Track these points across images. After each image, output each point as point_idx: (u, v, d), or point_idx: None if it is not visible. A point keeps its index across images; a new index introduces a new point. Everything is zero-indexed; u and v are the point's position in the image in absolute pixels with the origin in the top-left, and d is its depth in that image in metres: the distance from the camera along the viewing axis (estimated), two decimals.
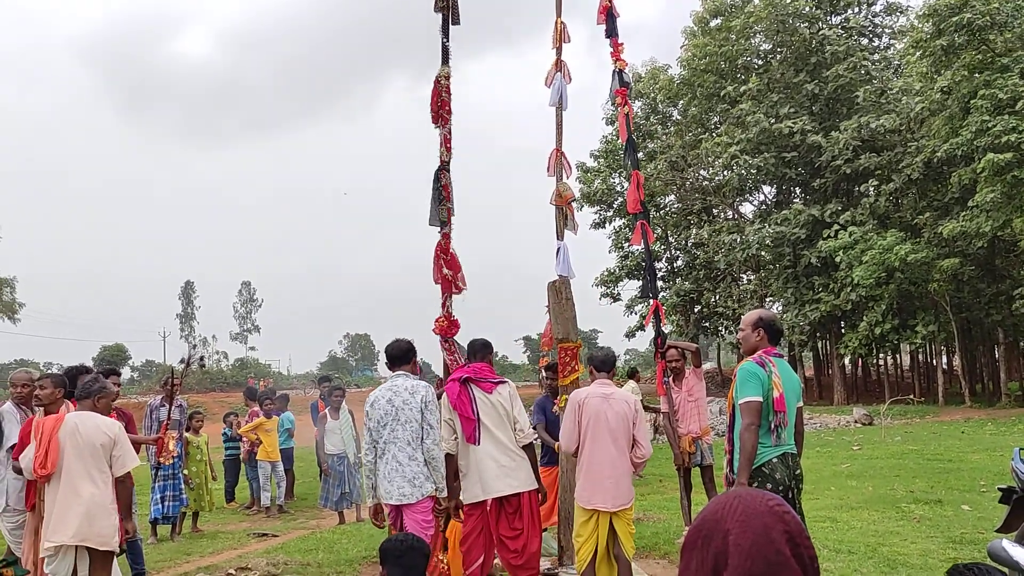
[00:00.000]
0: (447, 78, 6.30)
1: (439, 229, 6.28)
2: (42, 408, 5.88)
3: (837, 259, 27.78)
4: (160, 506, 9.79)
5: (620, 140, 8.90)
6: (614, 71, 8.20)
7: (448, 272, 6.21)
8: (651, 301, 8.48)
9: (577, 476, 5.65)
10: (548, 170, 7.49)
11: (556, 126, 7.51)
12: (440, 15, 6.39)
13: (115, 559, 5.53)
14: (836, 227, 28.45)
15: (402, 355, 5.77)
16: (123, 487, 5.42)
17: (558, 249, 7.25)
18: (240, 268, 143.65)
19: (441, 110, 6.26)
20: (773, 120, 30.55)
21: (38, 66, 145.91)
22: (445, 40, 6.39)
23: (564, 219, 7.38)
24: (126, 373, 69.14)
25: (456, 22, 6.43)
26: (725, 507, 1.41)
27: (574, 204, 7.85)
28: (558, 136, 7.49)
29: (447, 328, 6.24)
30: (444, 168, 6.31)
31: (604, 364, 5.84)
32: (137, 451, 8.30)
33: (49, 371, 6.27)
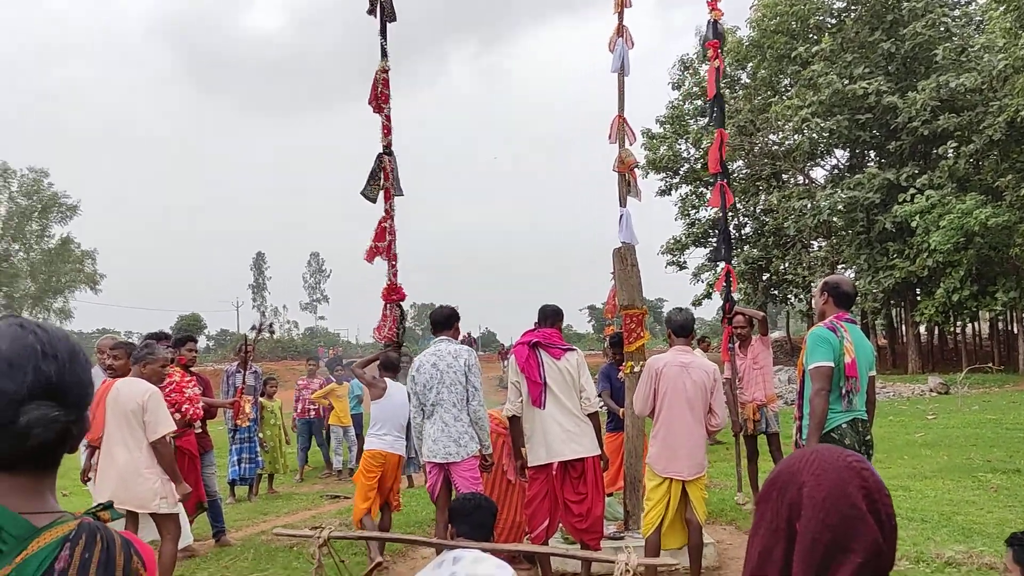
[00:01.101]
0: (385, 72, 6.97)
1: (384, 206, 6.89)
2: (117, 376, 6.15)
3: (913, 224, 26.90)
4: (237, 468, 10.15)
5: (708, 95, 8.83)
6: (709, 21, 8.15)
7: (377, 244, 6.86)
8: (723, 265, 8.46)
9: (651, 443, 5.67)
10: (610, 136, 7.45)
11: (618, 92, 7.45)
12: (378, 18, 6.97)
13: (184, 519, 5.79)
14: (912, 191, 27.51)
15: (444, 320, 6.00)
16: (159, 452, 5.44)
17: (621, 216, 7.22)
18: (309, 240, 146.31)
19: (379, 100, 6.91)
20: (847, 81, 29.56)
21: (117, 45, 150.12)
22: (383, 41, 6.98)
23: (627, 186, 7.33)
24: (202, 342, 71.34)
25: (392, 19, 7.01)
26: (801, 460, 1.40)
27: (638, 171, 7.81)
28: (620, 102, 7.44)
29: (388, 295, 6.86)
30: (386, 152, 6.92)
31: (683, 329, 5.76)
32: (214, 415, 8.64)
33: (128, 340, 6.54)
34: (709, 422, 5.59)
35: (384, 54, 6.98)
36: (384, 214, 6.92)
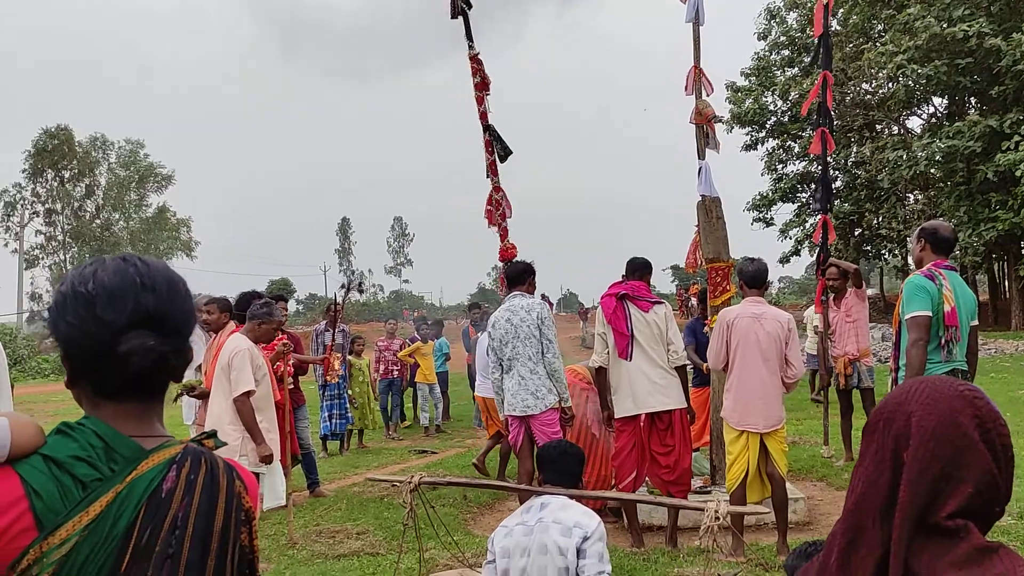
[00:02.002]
0: (475, 57, 7.34)
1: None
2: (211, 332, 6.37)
3: (1017, 173, 25.51)
4: (328, 423, 10.46)
5: (813, 34, 8.69)
6: None
7: (489, 209, 7.43)
8: (819, 216, 8.27)
9: (726, 396, 5.56)
10: (687, 88, 7.29)
11: (694, 42, 7.28)
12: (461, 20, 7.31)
13: (280, 480, 5.93)
14: (1017, 138, 26.03)
15: (517, 276, 6.04)
16: (239, 409, 5.46)
17: (700, 169, 7.07)
18: (392, 204, 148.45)
19: (477, 87, 7.35)
20: (945, 24, 28.02)
21: (204, 17, 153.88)
22: (466, 27, 7.34)
23: (705, 138, 7.17)
24: (291, 305, 73.42)
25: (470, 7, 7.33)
26: (910, 391, 1.35)
27: (721, 125, 7.63)
28: (696, 52, 7.28)
29: (504, 254, 7.27)
30: (485, 129, 7.38)
31: (755, 280, 5.58)
32: (305, 371, 8.91)
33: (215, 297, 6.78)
34: (786, 374, 5.44)
35: (469, 39, 7.35)
36: (492, 186, 7.41)
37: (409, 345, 12.87)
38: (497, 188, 7.38)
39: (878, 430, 1.36)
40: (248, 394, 5.47)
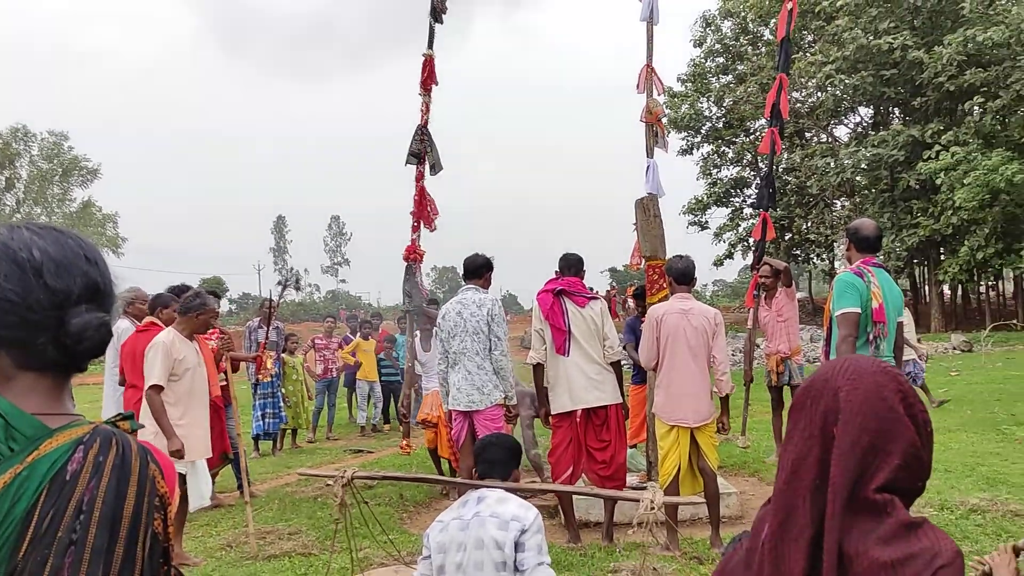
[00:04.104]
0: (431, 58, 7.76)
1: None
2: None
3: (938, 181, 26.47)
4: (261, 423, 10.26)
5: (777, 37, 8.99)
6: None
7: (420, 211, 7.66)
8: (760, 213, 8.50)
9: (656, 392, 5.62)
10: (638, 87, 7.34)
11: (647, 41, 7.33)
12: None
13: (205, 479, 5.78)
14: (937, 148, 27.01)
15: (475, 269, 5.94)
16: (147, 402, 5.33)
17: (647, 167, 7.13)
18: (329, 203, 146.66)
19: (426, 83, 7.70)
20: (871, 36, 28.92)
21: (142, 9, 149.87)
22: (432, 29, 7.79)
23: (654, 136, 7.23)
24: (224, 305, 71.84)
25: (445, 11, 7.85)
26: (835, 368, 1.38)
27: (664, 123, 7.73)
28: (649, 51, 7.32)
29: (409, 255, 7.61)
30: (423, 131, 7.62)
31: (684, 276, 5.66)
32: (237, 368, 8.70)
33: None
34: (716, 370, 5.52)
35: (431, 42, 7.76)
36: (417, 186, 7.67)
37: (345, 344, 12.72)
38: (421, 191, 7.64)
39: (805, 407, 1.37)
40: (157, 388, 5.33)
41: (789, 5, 8.11)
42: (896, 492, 1.28)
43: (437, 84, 7.75)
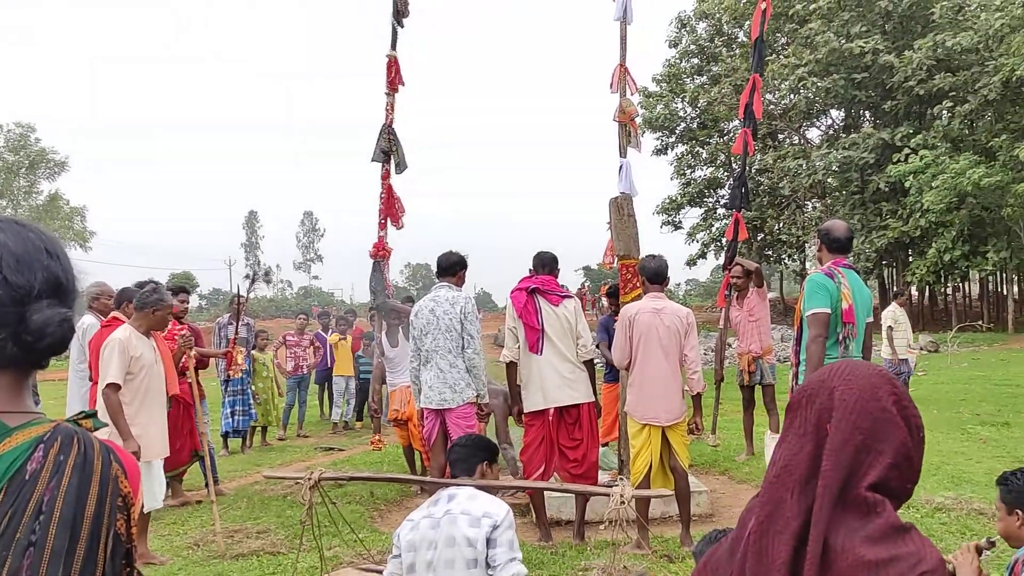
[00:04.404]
0: (394, 59, 7.90)
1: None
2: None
3: (907, 184, 26.83)
4: (231, 420, 10.14)
5: (751, 38, 9.14)
6: None
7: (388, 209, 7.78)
8: (733, 213, 8.57)
9: (629, 391, 5.64)
10: (611, 86, 7.35)
11: (620, 41, 7.34)
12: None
13: (160, 483, 5.66)
14: (907, 151, 27.38)
15: (449, 267, 5.88)
16: (104, 401, 5.17)
17: (621, 166, 7.14)
18: (302, 199, 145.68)
19: (392, 84, 7.84)
20: (843, 40, 29.25)
21: None
22: (395, 31, 7.93)
23: (627, 136, 7.25)
24: (194, 300, 70.99)
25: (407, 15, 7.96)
26: (831, 370, 1.40)
27: (637, 123, 7.76)
28: (622, 51, 7.33)
29: (376, 253, 7.68)
30: (389, 131, 7.76)
31: (657, 276, 5.67)
32: (206, 365, 8.62)
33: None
34: (688, 369, 5.54)
35: (394, 44, 7.90)
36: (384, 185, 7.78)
37: (318, 341, 12.65)
38: (388, 190, 7.78)
39: (801, 406, 1.39)
40: (113, 387, 5.18)
41: (763, 6, 8.20)
42: (887, 494, 1.29)
43: (403, 84, 7.90)
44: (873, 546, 1.23)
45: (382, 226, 7.76)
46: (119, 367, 5.22)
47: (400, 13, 7.89)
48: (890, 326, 11.20)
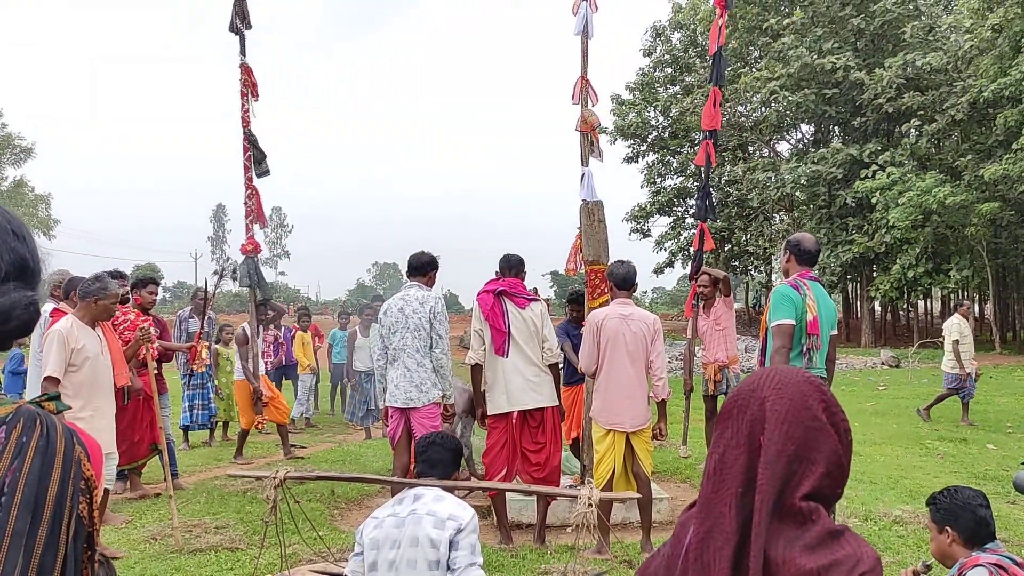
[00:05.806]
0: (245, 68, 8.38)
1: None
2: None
3: (873, 200, 27.27)
4: (189, 414, 10.03)
5: (708, 52, 9.32)
6: None
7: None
8: (699, 223, 8.66)
9: (595, 396, 5.65)
10: (573, 98, 7.42)
11: (581, 54, 7.44)
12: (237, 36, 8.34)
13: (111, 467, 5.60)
14: (874, 167, 27.84)
15: (420, 266, 5.86)
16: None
17: (583, 175, 7.18)
18: (271, 194, 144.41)
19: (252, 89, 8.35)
20: (816, 55, 29.67)
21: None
22: (241, 38, 8.37)
23: (589, 146, 7.31)
24: (159, 293, 70.13)
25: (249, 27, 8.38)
26: (760, 378, 1.40)
27: (605, 136, 7.85)
28: (583, 63, 7.42)
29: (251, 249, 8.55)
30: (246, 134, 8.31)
31: (625, 282, 5.68)
32: (170, 359, 8.50)
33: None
34: (653, 375, 5.56)
35: (243, 53, 8.35)
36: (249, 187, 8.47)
37: (285, 339, 12.56)
38: (252, 192, 8.39)
39: (732, 416, 1.39)
40: (52, 380, 5.04)
41: (720, 21, 8.37)
42: (819, 500, 1.31)
43: (258, 97, 8.39)
44: (812, 554, 1.25)
45: (248, 228, 8.50)
46: (58, 360, 5.08)
47: (245, 18, 8.30)
48: (956, 339, 10.90)
